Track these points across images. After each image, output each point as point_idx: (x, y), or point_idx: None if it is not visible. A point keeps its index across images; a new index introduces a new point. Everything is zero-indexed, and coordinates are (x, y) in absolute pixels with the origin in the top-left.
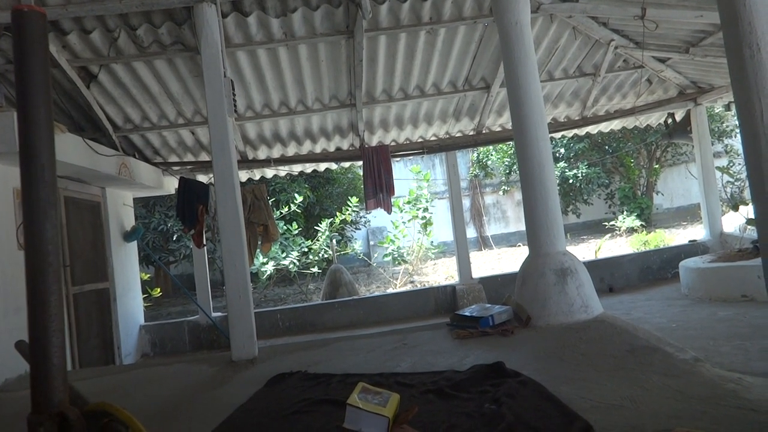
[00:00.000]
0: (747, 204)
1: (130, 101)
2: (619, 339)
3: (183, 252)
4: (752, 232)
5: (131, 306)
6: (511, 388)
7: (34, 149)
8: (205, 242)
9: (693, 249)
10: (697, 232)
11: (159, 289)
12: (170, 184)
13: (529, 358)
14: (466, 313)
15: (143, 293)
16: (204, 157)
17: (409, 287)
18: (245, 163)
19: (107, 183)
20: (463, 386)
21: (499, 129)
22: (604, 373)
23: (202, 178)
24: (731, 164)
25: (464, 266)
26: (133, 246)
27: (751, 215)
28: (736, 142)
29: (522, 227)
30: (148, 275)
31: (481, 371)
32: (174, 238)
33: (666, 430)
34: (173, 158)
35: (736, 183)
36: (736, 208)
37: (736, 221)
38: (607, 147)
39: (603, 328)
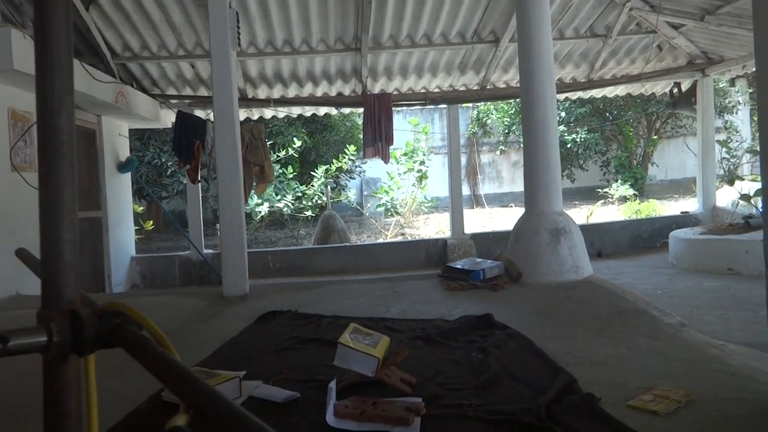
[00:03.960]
0: (742, 180)
1: (130, 27)
2: (607, 301)
3: (176, 187)
4: (744, 208)
5: (123, 237)
6: (498, 339)
7: (51, 31)
8: (200, 179)
9: (684, 220)
10: (689, 205)
11: (151, 222)
12: (167, 118)
13: (517, 312)
14: (458, 266)
15: (135, 226)
16: (203, 92)
17: (399, 239)
18: (245, 101)
19: (103, 111)
20: (452, 335)
21: (503, 86)
22: (591, 331)
23: (200, 113)
24: (729, 140)
25: (457, 221)
26: (127, 177)
27: (745, 191)
28: (737, 119)
29: (516, 188)
30: (141, 208)
31: (470, 322)
32: (168, 173)
33: (648, 387)
34: (171, 91)
35: (732, 159)
36: (731, 183)
37: (729, 196)
38: (608, 114)
39: (592, 290)
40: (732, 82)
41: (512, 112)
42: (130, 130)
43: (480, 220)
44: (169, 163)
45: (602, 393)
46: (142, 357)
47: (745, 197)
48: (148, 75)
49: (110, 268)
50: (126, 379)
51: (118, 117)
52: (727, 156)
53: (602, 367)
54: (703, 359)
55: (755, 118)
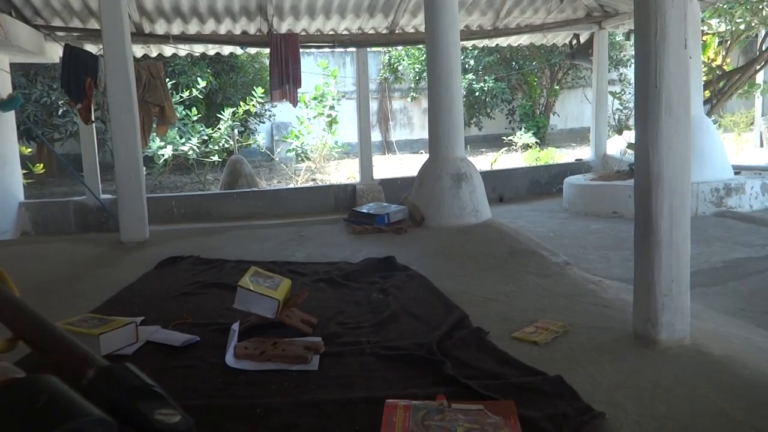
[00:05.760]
0: (630, 130)
1: None
2: (502, 242)
3: (69, 129)
4: (631, 156)
5: (8, 181)
6: (398, 280)
7: None
8: (93, 119)
9: (578, 167)
10: (584, 153)
11: (42, 166)
12: (53, 52)
13: (418, 254)
14: (364, 210)
15: (24, 169)
16: (93, 24)
17: (310, 184)
18: (140, 36)
19: None
20: (354, 277)
21: (412, 31)
22: (485, 271)
23: (92, 48)
24: (623, 92)
25: (366, 167)
26: (11, 116)
27: (632, 140)
28: (630, 72)
29: (426, 135)
30: (30, 150)
31: (373, 264)
32: (59, 113)
33: (531, 320)
34: (57, 22)
35: (624, 111)
36: (620, 132)
37: (619, 145)
38: (514, 63)
39: (489, 232)
40: (627, 36)
41: (423, 58)
42: (12, 65)
43: (391, 167)
44: (59, 102)
45: (491, 327)
46: None
47: (631, 146)
48: (30, 3)
49: None
50: None
51: None
52: (620, 107)
53: (493, 303)
54: (582, 294)
55: None
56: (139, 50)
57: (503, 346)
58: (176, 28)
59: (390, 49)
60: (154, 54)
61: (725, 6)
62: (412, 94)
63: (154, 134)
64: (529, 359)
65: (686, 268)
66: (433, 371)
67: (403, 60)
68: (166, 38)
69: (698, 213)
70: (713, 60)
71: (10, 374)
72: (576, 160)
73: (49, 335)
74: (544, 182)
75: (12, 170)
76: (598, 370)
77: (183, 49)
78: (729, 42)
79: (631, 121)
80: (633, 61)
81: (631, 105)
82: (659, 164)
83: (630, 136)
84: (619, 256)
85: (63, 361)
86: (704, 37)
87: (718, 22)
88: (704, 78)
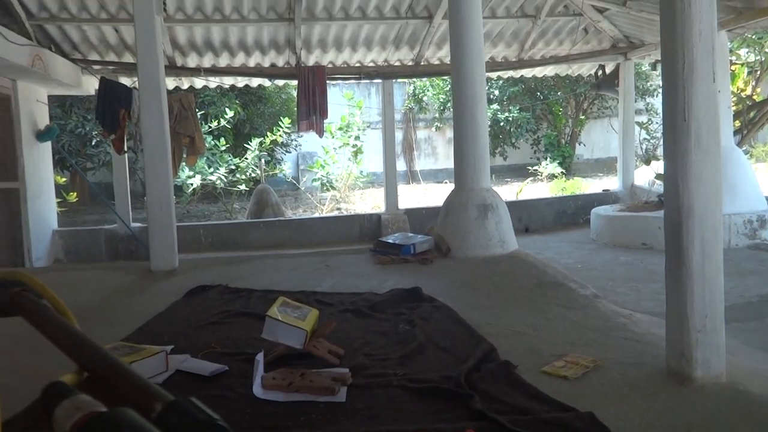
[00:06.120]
0: (658, 160)
1: None
2: (529, 273)
3: (102, 158)
4: (659, 186)
5: (44, 209)
6: (425, 311)
7: None
8: (126, 149)
9: (605, 198)
10: (611, 183)
11: (75, 194)
12: (89, 84)
13: (445, 285)
14: (390, 240)
15: (58, 198)
16: (128, 58)
17: (335, 214)
18: (173, 69)
19: (18, 75)
20: (380, 307)
21: (437, 62)
22: (512, 303)
23: (126, 81)
24: (650, 122)
25: (391, 196)
26: (47, 146)
27: (661, 170)
28: (657, 102)
29: (450, 164)
30: (64, 179)
31: (399, 294)
32: (93, 143)
33: (561, 354)
34: (94, 56)
35: (651, 141)
36: (648, 162)
37: (647, 175)
38: (539, 93)
39: (516, 263)
40: (653, 65)
41: (448, 89)
42: (49, 97)
43: (415, 196)
44: (93, 133)
45: (519, 360)
46: (38, 323)
47: (660, 176)
48: (68, 38)
49: (30, 242)
50: (46, 354)
51: (35, 82)
52: (647, 137)
53: (521, 336)
54: (612, 327)
55: None
56: (171, 82)
57: (532, 381)
58: (207, 61)
59: (415, 79)
60: (185, 86)
61: (754, 36)
62: (436, 123)
63: (184, 164)
64: (559, 394)
65: (720, 302)
66: (461, 405)
67: (428, 90)
68: (197, 71)
69: (731, 245)
70: (743, 90)
71: (92, 408)
72: (603, 190)
73: (116, 368)
74: (570, 213)
75: (47, 198)
76: (631, 407)
77: (213, 81)
78: (759, 72)
79: (659, 151)
80: (659, 91)
81: (659, 135)
82: (689, 197)
83: (658, 166)
84: (649, 288)
85: (130, 395)
86: (733, 67)
87: (747, 52)
88: (734, 108)
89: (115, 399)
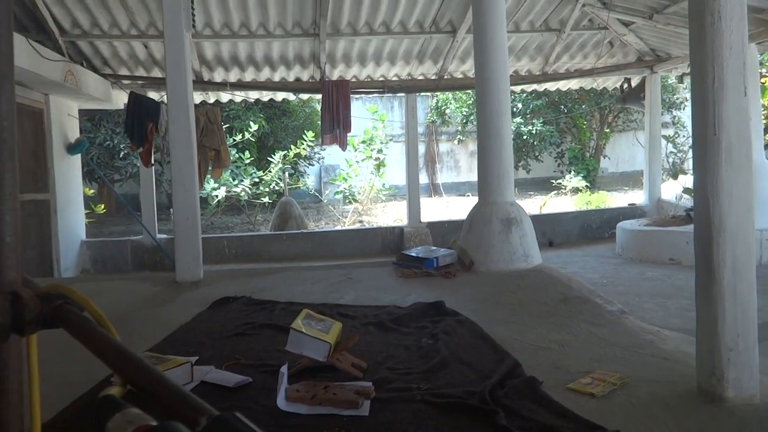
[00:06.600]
0: (686, 174)
1: (80, 4)
2: (554, 288)
3: (129, 171)
4: (687, 201)
5: (72, 220)
6: (448, 325)
7: None
8: (153, 162)
9: (631, 212)
10: (637, 197)
11: (103, 206)
12: (119, 99)
13: (468, 299)
14: (412, 254)
15: (86, 209)
16: (156, 73)
17: (357, 226)
18: (200, 84)
19: (51, 90)
20: (404, 321)
21: (461, 76)
22: (537, 318)
23: (154, 95)
24: (676, 135)
25: (414, 209)
26: (77, 159)
27: (689, 185)
28: (684, 115)
29: (473, 177)
30: (92, 191)
31: (422, 308)
32: (120, 156)
33: (587, 371)
34: (123, 71)
35: (678, 154)
36: (675, 177)
37: (674, 189)
38: (562, 107)
39: (540, 278)
40: (680, 78)
41: (470, 102)
42: (80, 111)
43: (437, 209)
44: (121, 146)
45: (544, 376)
46: (82, 336)
47: (688, 191)
48: (99, 54)
49: (59, 252)
50: (74, 365)
51: (67, 96)
52: (674, 150)
53: (546, 351)
54: (639, 344)
55: None
56: (197, 96)
57: (558, 397)
58: (233, 76)
59: (438, 93)
60: (211, 100)
61: None
62: (459, 137)
63: (209, 176)
64: (586, 412)
65: (753, 321)
66: (485, 421)
67: (451, 103)
68: (223, 85)
69: (763, 261)
70: None
71: (143, 422)
72: (629, 204)
73: (160, 382)
74: (595, 227)
75: (76, 210)
76: (660, 427)
77: (239, 96)
78: None
79: (686, 165)
80: (686, 104)
81: (686, 148)
82: (720, 213)
83: (685, 180)
84: (677, 305)
85: (174, 408)
86: (762, 80)
87: None
88: (765, 122)
89: (159, 412)
